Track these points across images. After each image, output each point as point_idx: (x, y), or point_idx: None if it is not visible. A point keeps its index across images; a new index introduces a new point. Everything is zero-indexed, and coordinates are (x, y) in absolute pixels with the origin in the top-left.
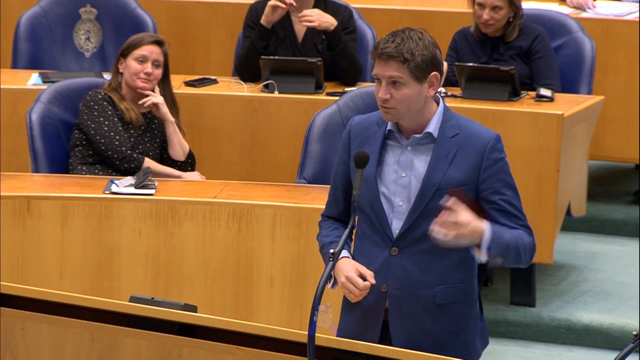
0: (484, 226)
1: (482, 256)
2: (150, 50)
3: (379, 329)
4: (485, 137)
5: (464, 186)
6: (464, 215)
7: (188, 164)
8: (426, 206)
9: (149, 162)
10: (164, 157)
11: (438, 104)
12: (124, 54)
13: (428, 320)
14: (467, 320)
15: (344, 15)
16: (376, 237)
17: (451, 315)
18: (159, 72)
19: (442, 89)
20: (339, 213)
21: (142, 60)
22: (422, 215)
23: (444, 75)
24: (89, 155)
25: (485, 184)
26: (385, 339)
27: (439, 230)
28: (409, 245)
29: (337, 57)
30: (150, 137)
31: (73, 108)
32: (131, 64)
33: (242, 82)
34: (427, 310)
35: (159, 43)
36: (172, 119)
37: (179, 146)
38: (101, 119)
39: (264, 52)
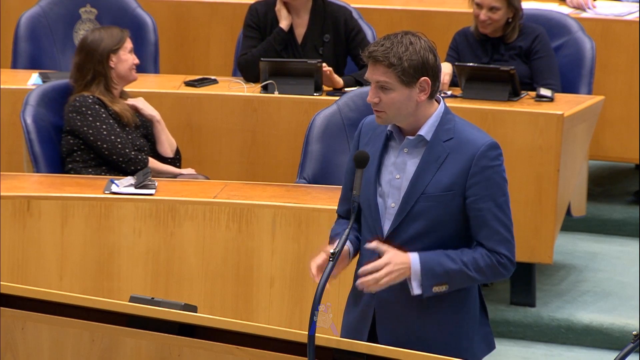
0: (412, 259)
1: (413, 289)
2: (129, 42)
3: (368, 327)
4: (478, 143)
5: (450, 191)
6: (382, 259)
7: (176, 160)
8: (412, 209)
9: (152, 162)
10: (154, 154)
11: (439, 104)
12: (115, 50)
13: (415, 323)
14: (459, 324)
15: (345, 15)
16: (370, 238)
17: (440, 318)
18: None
19: (449, 92)
20: (345, 211)
21: (130, 52)
22: (408, 218)
23: (449, 78)
24: (91, 158)
25: (470, 190)
26: (374, 338)
27: (362, 283)
28: (397, 248)
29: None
30: (141, 134)
31: (60, 110)
32: (126, 58)
33: (241, 82)
34: (414, 313)
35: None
36: (158, 117)
37: (167, 143)
38: (97, 123)
39: (281, 55)
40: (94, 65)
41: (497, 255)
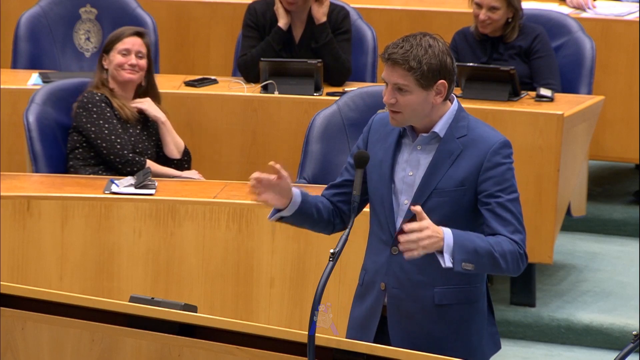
0: (445, 231)
1: (444, 262)
2: (132, 43)
3: (377, 323)
4: (492, 140)
5: (462, 187)
6: (423, 222)
7: (184, 162)
8: (424, 205)
9: (150, 164)
10: (160, 155)
11: (452, 102)
12: (107, 50)
13: (426, 321)
14: (469, 322)
15: (339, 15)
16: (382, 235)
17: (451, 316)
18: (143, 63)
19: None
20: (331, 194)
21: (126, 53)
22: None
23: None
24: (91, 157)
25: (483, 185)
26: (383, 334)
27: (404, 243)
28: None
29: (320, 51)
30: (147, 135)
31: (67, 109)
32: (115, 57)
33: (241, 82)
34: (425, 310)
35: (139, 34)
36: (163, 119)
37: (173, 145)
38: (101, 122)
39: (281, 55)
40: (99, 65)
41: (516, 245)
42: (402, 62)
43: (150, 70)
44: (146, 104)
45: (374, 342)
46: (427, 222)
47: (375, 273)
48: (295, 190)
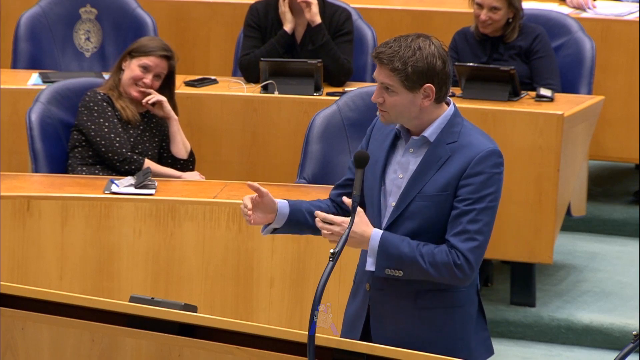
0: (372, 236)
1: (367, 265)
2: (156, 63)
3: (362, 323)
4: (479, 148)
5: (444, 192)
6: (342, 219)
7: (190, 163)
8: (407, 208)
9: (148, 164)
10: (164, 157)
11: (449, 106)
12: (131, 55)
13: (408, 324)
14: (454, 326)
15: (341, 16)
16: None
17: (434, 320)
18: (157, 84)
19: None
20: (336, 194)
21: (145, 69)
22: (403, 217)
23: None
24: (89, 156)
25: (460, 190)
26: (368, 334)
27: (317, 222)
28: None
29: (318, 53)
30: (149, 136)
31: (72, 108)
32: (134, 68)
33: (241, 82)
34: (408, 313)
35: (167, 57)
36: (175, 116)
37: (182, 144)
38: (101, 120)
39: (282, 55)
40: (120, 60)
41: (455, 253)
42: (387, 62)
43: (172, 92)
44: (164, 97)
45: (360, 340)
46: (347, 221)
47: (363, 273)
48: (281, 203)
